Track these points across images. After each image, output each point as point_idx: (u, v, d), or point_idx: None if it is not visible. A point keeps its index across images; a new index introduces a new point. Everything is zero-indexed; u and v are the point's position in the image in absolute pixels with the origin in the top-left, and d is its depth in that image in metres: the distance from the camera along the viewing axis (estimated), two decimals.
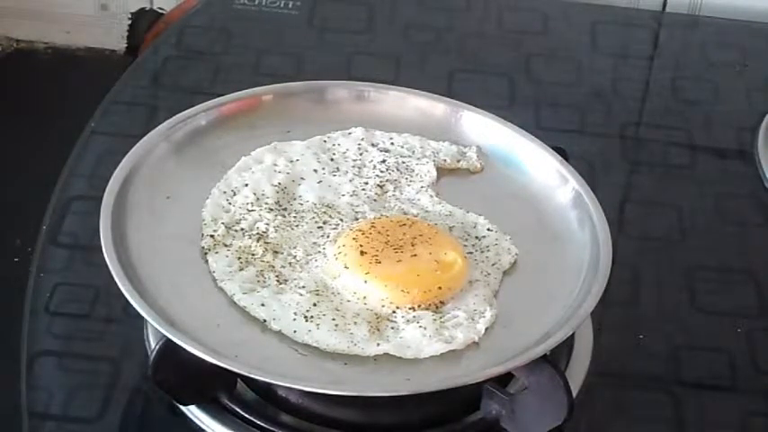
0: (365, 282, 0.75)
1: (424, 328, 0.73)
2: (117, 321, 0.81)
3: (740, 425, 0.80)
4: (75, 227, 0.88)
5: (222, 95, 0.87)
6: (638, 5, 1.21)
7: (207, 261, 0.77)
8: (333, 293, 0.75)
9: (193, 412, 0.75)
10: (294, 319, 0.73)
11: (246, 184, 0.82)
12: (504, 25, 1.14)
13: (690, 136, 1.02)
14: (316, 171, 0.84)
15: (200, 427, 0.74)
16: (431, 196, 0.83)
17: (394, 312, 0.74)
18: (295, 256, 0.78)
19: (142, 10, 1.28)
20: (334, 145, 0.86)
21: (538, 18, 1.14)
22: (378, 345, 0.72)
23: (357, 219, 0.81)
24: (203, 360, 0.69)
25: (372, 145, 0.86)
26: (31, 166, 1.09)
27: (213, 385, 0.74)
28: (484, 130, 0.87)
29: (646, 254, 0.90)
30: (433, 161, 0.86)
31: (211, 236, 0.78)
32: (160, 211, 0.79)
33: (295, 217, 0.81)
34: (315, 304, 0.74)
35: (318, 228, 0.80)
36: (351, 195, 0.82)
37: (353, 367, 0.72)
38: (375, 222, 0.79)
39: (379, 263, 0.76)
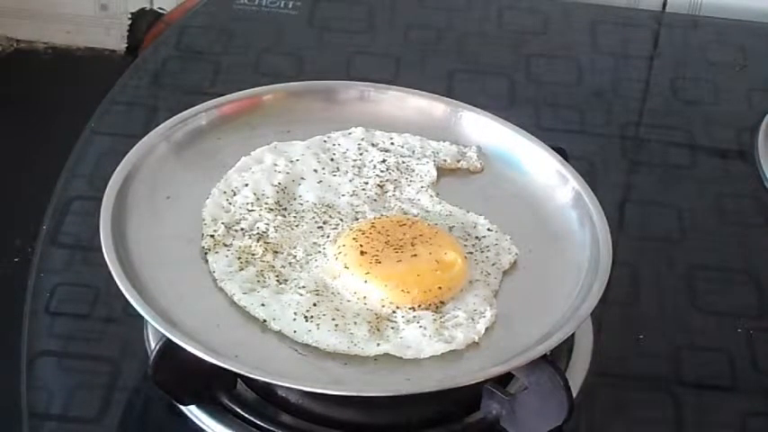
0: (365, 282, 0.75)
1: (425, 328, 0.73)
2: (117, 321, 0.81)
3: (740, 425, 0.80)
4: (75, 227, 0.88)
5: (222, 95, 0.87)
6: (638, 5, 1.21)
7: (207, 261, 0.77)
8: (333, 293, 0.75)
9: (193, 412, 0.75)
10: (294, 319, 0.73)
11: (246, 184, 0.82)
12: (504, 25, 1.14)
13: (690, 136, 1.02)
14: (316, 171, 0.84)
15: (200, 427, 0.74)
16: (431, 196, 0.83)
17: (394, 312, 0.74)
18: (295, 256, 0.78)
19: (142, 10, 1.29)
20: (334, 145, 0.86)
21: (538, 18, 1.14)
22: (378, 345, 0.72)
23: (357, 219, 0.81)
24: (203, 360, 0.69)
25: (372, 145, 0.86)
26: (31, 166, 1.09)
27: (213, 385, 0.74)
28: (484, 130, 0.87)
29: (646, 254, 0.90)
30: (433, 161, 0.86)
31: (211, 236, 0.78)
32: (160, 211, 0.79)
33: (295, 217, 0.81)
34: (315, 304, 0.74)
35: (318, 228, 0.80)
36: (351, 195, 0.82)
37: (353, 367, 0.72)
38: (375, 222, 0.79)
39: (379, 263, 0.76)
